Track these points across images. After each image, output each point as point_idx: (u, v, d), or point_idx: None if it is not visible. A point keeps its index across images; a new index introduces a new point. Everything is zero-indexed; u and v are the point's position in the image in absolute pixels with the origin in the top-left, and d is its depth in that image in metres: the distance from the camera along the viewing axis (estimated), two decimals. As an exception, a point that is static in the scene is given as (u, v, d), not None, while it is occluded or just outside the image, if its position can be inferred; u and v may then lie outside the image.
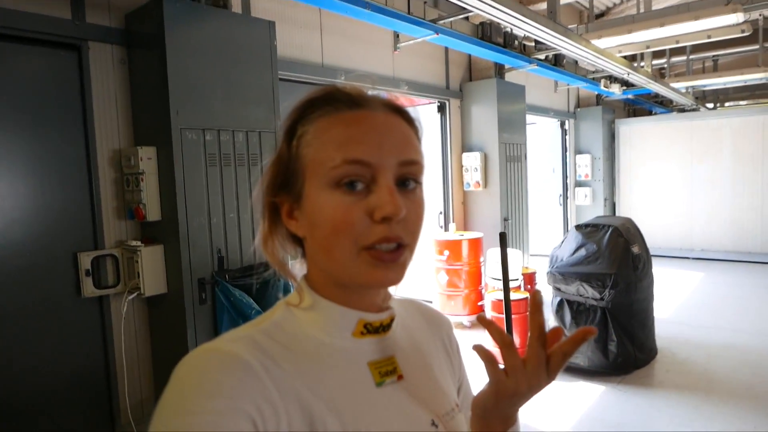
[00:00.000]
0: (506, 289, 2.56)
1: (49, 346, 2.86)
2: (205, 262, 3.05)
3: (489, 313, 4.60)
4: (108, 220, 3.07)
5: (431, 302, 5.76)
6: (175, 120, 2.88)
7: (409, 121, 0.65)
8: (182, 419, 0.49)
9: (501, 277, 2.56)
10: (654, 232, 9.18)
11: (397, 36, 5.15)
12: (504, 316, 2.99)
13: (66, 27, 2.87)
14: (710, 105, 12.04)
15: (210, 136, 3.05)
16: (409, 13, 4.33)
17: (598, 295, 4.10)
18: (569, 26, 5.15)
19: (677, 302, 6.37)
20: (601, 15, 8.83)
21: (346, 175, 0.58)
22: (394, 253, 0.59)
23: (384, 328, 0.67)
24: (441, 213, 6.21)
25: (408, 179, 0.61)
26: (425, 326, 0.78)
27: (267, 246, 0.66)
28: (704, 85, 9.32)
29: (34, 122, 2.82)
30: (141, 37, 3.06)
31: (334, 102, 0.62)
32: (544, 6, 4.82)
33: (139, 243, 3.03)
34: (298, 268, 0.68)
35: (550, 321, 4.43)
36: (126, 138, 3.14)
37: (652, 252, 4.83)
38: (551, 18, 4.44)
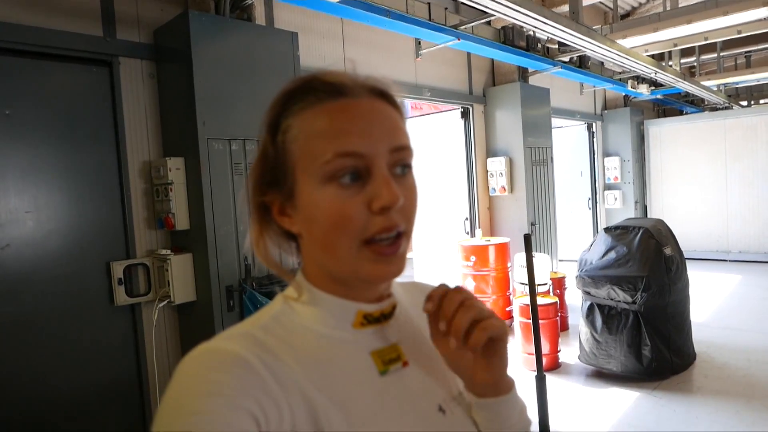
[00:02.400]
0: (532, 291, 2.53)
1: (83, 353, 2.94)
2: (233, 270, 3.09)
3: (517, 319, 4.54)
4: (139, 230, 3.16)
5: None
6: (201, 131, 2.95)
7: (393, 104, 0.63)
8: (183, 420, 0.49)
9: (527, 281, 2.52)
10: (689, 235, 8.92)
11: (419, 43, 5.17)
12: (531, 320, 2.94)
13: (98, 44, 2.98)
14: (744, 103, 11.69)
15: (236, 145, 3.11)
16: (430, 19, 4.34)
17: (629, 299, 4.00)
18: (593, 27, 5.09)
19: (714, 306, 6.16)
20: (626, 15, 8.69)
21: (339, 168, 0.56)
22: (393, 245, 0.58)
23: (385, 316, 0.66)
24: (467, 219, 6.16)
25: (400, 165, 0.60)
26: None
27: (259, 248, 0.64)
28: (737, 83, 9.05)
29: (69, 136, 2.92)
30: (169, 52, 3.15)
31: (315, 92, 0.60)
32: (566, 8, 4.78)
33: (168, 252, 3.10)
34: (292, 261, 0.67)
35: (581, 326, 4.33)
36: (155, 149, 3.23)
37: (687, 255, 4.69)
38: (574, 19, 4.40)
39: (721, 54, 8.97)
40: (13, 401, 2.69)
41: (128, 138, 3.12)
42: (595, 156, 8.91)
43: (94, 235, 2.99)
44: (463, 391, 0.70)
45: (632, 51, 5.45)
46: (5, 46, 2.67)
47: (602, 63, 7.07)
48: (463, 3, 3.69)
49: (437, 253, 6.48)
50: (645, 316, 3.97)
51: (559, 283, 5.44)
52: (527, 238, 2.15)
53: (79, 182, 2.95)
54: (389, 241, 0.58)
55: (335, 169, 0.56)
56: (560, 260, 6.81)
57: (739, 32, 5.26)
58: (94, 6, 2.99)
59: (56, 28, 2.83)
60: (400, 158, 0.60)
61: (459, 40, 4.60)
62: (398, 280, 0.68)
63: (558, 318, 4.51)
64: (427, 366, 0.68)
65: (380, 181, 0.57)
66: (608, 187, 9.09)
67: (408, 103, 6.20)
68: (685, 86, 7.52)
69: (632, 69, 6.12)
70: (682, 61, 8.63)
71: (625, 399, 3.79)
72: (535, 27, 4.11)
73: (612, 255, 4.24)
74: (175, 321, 3.31)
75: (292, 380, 0.55)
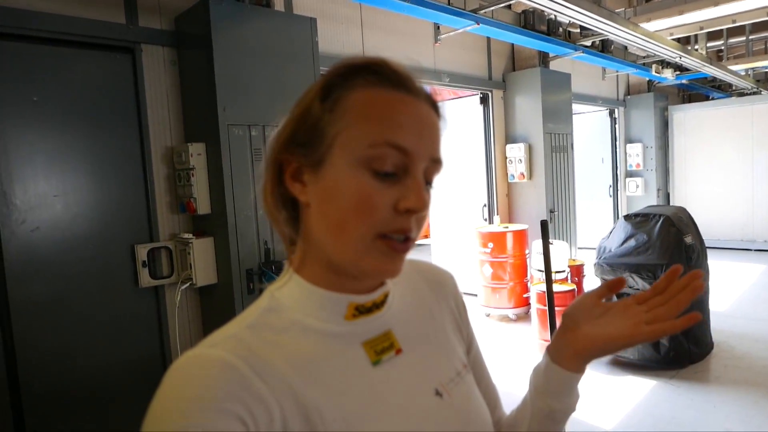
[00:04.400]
0: (548, 279, 2.53)
1: (109, 332, 3.04)
2: (253, 253, 3.15)
3: (534, 306, 4.54)
4: (162, 214, 3.23)
5: (476, 295, 5.74)
6: (222, 117, 3.00)
7: (441, 119, 0.64)
8: (169, 426, 0.49)
9: (544, 267, 2.53)
10: (713, 223, 8.75)
11: (438, 28, 5.13)
12: (547, 307, 2.95)
13: (120, 31, 3.03)
14: (774, 88, 11.33)
15: (255, 131, 3.15)
16: (449, 4, 4.30)
17: (648, 287, 3.97)
18: (616, 10, 4.99)
19: (736, 295, 6.07)
20: (652, -2, 8.47)
21: (382, 157, 0.56)
22: (404, 244, 0.59)
23: (377, 305, 0.65)
24: (485, 205, 6.15)
25: (430, 177, 0.61)
26: (426, 288, 0.76)
27: (267, 202, 0.64)
28: (766, 67, 8.77)
29: (94, 122, 2.99)
30: (190, 38, 3.19)
31: (380, 75, 0.59)
32: (589, -10, 4.69)
33: (190, 235, 3.17)
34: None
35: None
36: (177, 135, 3.29)
37: (711, 244, 4.64)
38: (596, 2, 4.32)
39: (750, 37, 8.69)
40: (43, 377, 2.81)
41: (151, 124, 3.18)
42: (617, 142, 8.77)
43: (119, 219, 3.08)
44: (461, 370, 0.70)
45: (656, 35, 5.33)
46: (32, 34, 2.74)
47: (626, 47, 6.93)
48: (482, -13, 3.65)
49: (455, 239, 6.49)
50: (664, 304, 3.93)
51: (577, 271, 5.40)
52: (544, 225, 2.15)
53: (104, 167, 3.03)
54: (402, 240, 0.58)
55: (378, 156, 0.56)
56: (579, 248, 6.76)
57: (769, 15, 5.10)
58: (117, -7, 3.04)
59: (81, 15, 2.89)
60: (433, 170, 0.61)
61: (478, 24, 4.55)
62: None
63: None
64: (423, 350, 0.68)
65: (415, 184, 0.57)
66: (630, 174, 8.95)
67: (427, 89, 6.14)
68: (711, 71, 7.33)
69: (656, 53, 5.99)
70: (710, 44, 8.39)
71: (642, 387, 3.78)
72: (556, 11, 4.05)
73: (632, 243, 4.20)
74: (197, 303, 3.39)
75: (281, 380, 0.55)
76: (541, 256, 3.98)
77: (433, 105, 0.63)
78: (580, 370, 0.70)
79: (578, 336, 0.69)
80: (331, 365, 0.60)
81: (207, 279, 3.17)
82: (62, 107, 2.88)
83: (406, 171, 0.58)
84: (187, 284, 3.19)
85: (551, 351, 0.72)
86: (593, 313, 0.70)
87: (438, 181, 0.63)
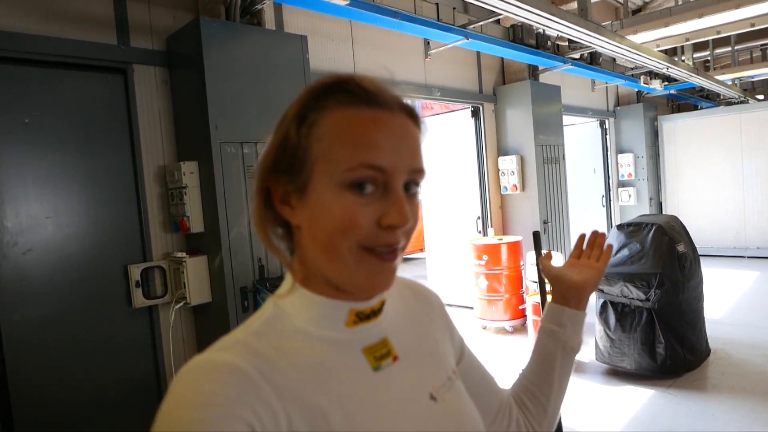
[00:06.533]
0: (542, 290, 2.54)
1: (103, 355, 3.01)
2: (247, 271, 3.14)
3: (531, 317, 4.54)
4: (155, 233, 3.22)
5: (472, 308, 5.73)
6: (214, 135, 3.01)
7: (418, 125, 0.64)
8: (178, 429, 0.50)
9: (537, 279, 2.54)
10: (705, 231, 8.82)
11: (428, 43, 5.19)
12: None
13: (113, 52, 3.05)
14: (760, 96, 11.50)
15: (247, 149, 3.16)
16: (438, 19, 4.36)
17: (643, 296, 3.98)
18: (603, 23, 5.07)
19: (731, 302, 6.09)
20: (638, 11, 8.61)
21: (361, 178, 0.57)
22: (391, 254, 0.60)
23: (375, 313, 0.67)
24: (479, 218, 6.17)
25: (412, 185, 0.62)
26: (414, 302, 0.79)
27: (261, 230, 0.65)
28: (752, 76, 8.92)
29: (86, 143, 2.99)
30: (181, 58, 3.21)
31: (350, 94, 0.59)
32: (575, 5, 4.76)
33: (184, 254, 3.16)
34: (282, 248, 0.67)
35: (595, 323, 4.32)
36: (169, 154, 3.29)
37: (703, 251, 4.67)
38: (582, 16, 4.39)
39: (736, 47, 8.85)
40: (36, 400, 2.77)
41: (143, 143, 3.18)
42: (609, 153, 8.85)
43: (111, 239, 3.06)
44: (451, 376, 0.73)
45: (643, 47, 5.41)
46: (24, 56, 2.75)
47: (614, 59, 7.02)
48: (471, 2, 3.69)
49: (449, 252, 6.49)
50: (659, 313, 3.95)
51: (572, 281, 5.40)
52: (536, 236, 2.16)
53: (96, 187, 3.02)
54: (388, 251, 0.60)
55: (357, 178, 0.57)
56: (574, 258, 6.75)
57: (753, 25, 5.19)
58: (108, 15, 3.06)
59: (72, 37, 2.90)
60: (415, 179, 0.61)
61: (468, 39, 4.61)
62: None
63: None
64: (417, 357, 0.71)
65: (395, 200, 0.58)
66: (622, 184, 9.02)
67: (419, 103, 6.23)
68: (698, 81, 7.43)
69: (644, 65, 6.08)
70: (696, 55, 8.53)
71: (640, 397, 3.77)
72: (544, 25, 4.11)
73: (625, 252, 4.22)
74: (192, 322, 3.37)
75: (287, 386, 0.57)
76: (536, 268, 3.99)
77: (410, 114, 0.63)
78: (585, 308, 0.94)
79: (575, 284, 0.92)
80: (335, 371, 0.61)
81: (201, 298, 3.15)
82: (54, 129, 2.88)
83: (387, 187, 0.59)
84: (181, 303, 3.17)
85: (563, 301, 0.92)
86: (572, 268, 0.96)
87: (427, 187, 0.63)
